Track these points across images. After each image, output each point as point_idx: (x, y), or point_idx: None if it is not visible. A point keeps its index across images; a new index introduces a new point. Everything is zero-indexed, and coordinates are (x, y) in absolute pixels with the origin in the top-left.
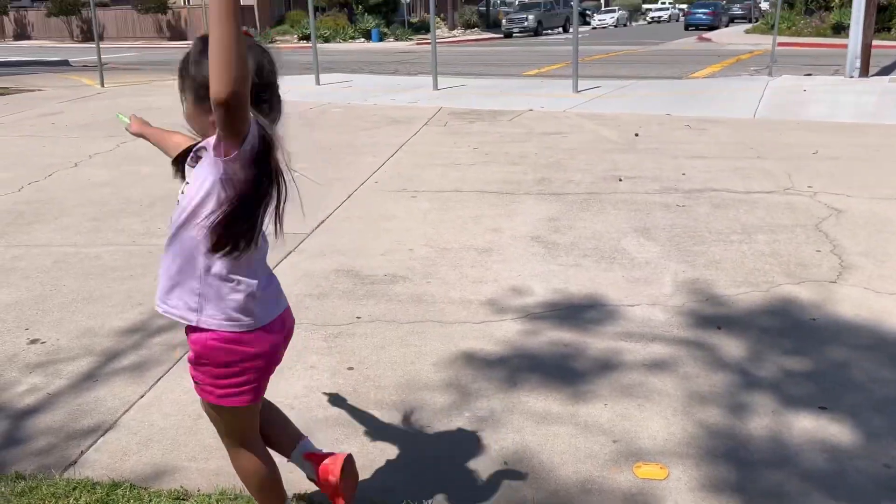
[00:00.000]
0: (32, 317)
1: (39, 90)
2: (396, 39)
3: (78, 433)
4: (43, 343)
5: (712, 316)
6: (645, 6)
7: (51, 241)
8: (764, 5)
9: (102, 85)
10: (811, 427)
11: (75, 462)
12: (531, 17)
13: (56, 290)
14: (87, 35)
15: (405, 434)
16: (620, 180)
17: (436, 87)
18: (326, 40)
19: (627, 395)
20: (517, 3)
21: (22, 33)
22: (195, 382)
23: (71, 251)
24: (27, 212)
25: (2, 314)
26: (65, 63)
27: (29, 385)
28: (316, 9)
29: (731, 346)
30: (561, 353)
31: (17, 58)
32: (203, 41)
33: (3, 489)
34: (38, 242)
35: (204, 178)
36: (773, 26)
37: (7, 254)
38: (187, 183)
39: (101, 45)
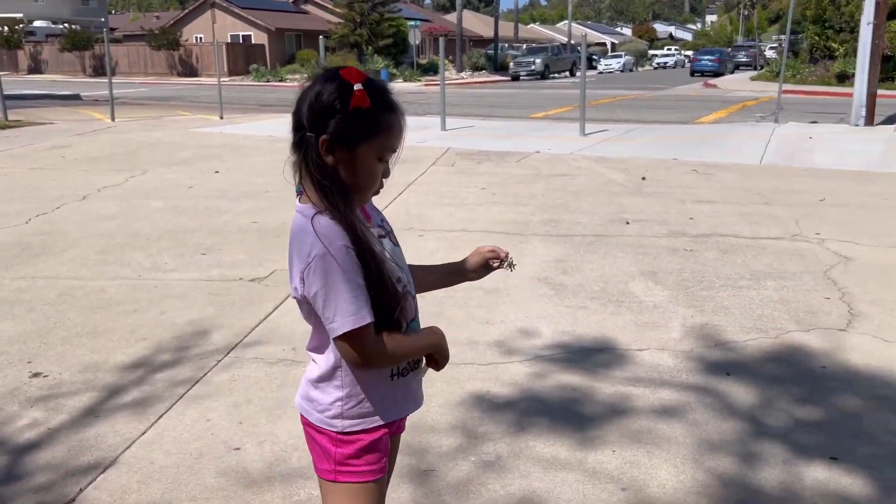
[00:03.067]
0: (35, 350)
1: (51, 123)
2: (405, 80)
3: (77, 470)
4: (45, 377)
5: (721, 362)
6: (651, 52)
7: (57, 273)
8: (769, 53)
9: (113, 119)
10: (823, 478)
11: (73, 500)
12: (538, 60)
13: (60, 324)
14: (98, 70)
15: (410, 477)
16: (628, 223)
17: (444, 127)
18: None
19: (636, 441)
20: (525, 47)
21: (36, 67)
22: None
23: (76, 284)
24: (34, 244)
25: (5, 347)
26: (76, 97)
27: (30, 419)
28: (326, 49)
29: (741, 394)
30: (569, 397)
31: (30, 91)
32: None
33: None
34: (43, 275)
35: None
36: (778, 74)
37: (12, 286)
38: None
39: (112, 80)
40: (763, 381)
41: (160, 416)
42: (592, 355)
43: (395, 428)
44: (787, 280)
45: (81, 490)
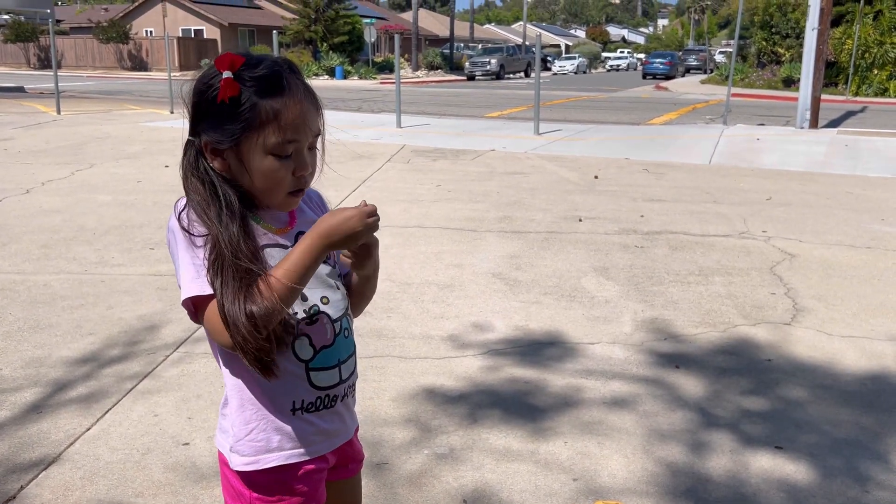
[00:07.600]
0: None
1: None
2: (360, 78)
3: (19, 467)
4: None
5: (671, 355)
6: (604, 54)
7: None
8: (718, 57)
9: (59, 112)
10: (768, 466)
11: (14, 497)
12: (494, 61)
13: (0, 319)
14: (44, 62)
15: (363, 471)
16: (580, 220)
17: (399, 125)
18: None
19: (588, 432)
20: (480, 47)
21: None
22: None
23: (18, 279)
24: None
25: None
26: (20, 90)
27: None
28: (280, 45)
29: (690, 385)
30: (521, 389)
31: None
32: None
33: None
34: None
35: None
36: (727, 77)
37: None
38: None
39: (58, 73)
40: (711, 374)
41: (106, 412)
42: (545, 349)
43: (325, 464)
44: (734, 276)
45: (23, 487)
